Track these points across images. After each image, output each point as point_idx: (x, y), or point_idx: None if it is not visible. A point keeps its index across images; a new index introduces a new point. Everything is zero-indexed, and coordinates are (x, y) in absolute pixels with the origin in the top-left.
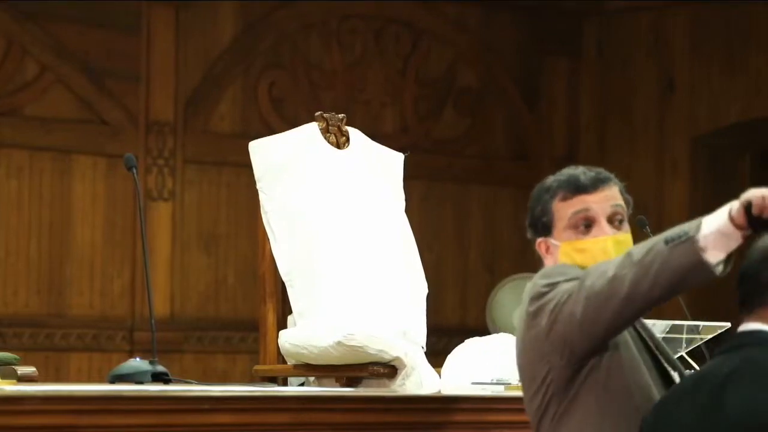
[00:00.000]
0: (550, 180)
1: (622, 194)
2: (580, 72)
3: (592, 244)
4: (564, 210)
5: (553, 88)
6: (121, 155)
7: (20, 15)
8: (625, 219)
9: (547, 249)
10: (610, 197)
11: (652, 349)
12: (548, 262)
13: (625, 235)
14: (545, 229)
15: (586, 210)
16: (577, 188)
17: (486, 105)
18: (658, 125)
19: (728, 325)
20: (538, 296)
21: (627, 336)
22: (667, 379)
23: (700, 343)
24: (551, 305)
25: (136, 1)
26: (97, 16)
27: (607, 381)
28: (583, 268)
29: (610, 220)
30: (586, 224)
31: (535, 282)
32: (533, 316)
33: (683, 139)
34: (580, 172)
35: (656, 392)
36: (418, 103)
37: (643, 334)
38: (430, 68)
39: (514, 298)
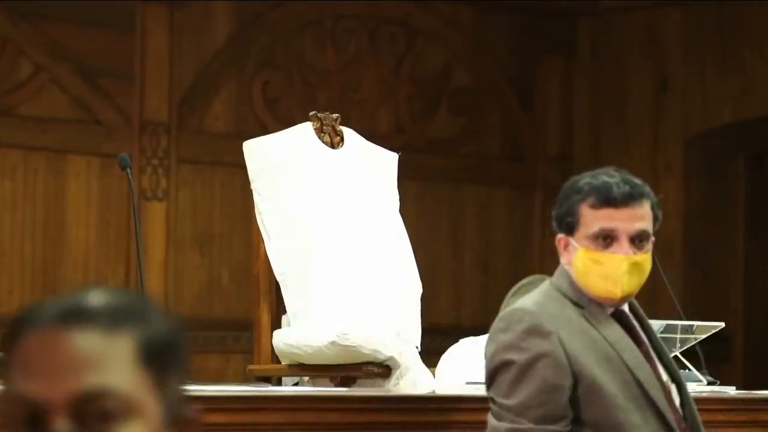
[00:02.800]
0: (584, 180)
1: (653, 210)
2: (574, 72)
3: (608, 260)
4: (590, 218)
5: (547, 88)
6: (115, 155)
7: (14, 15)
8: (649, 239)
9: (566, 246)
10: (638, 216)
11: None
12: (563, 258)
13: (644, 257)
14: (568, 228)
15: (612, 229)
16: (607, 200)
17: (480, 105)
18: (652, 125)
19: (722, 324)
20: (495, 370)
21: (608, 369)
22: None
23: (695, 343)
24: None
25: (130, 1)
26: (92, 16)
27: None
28: (586, 279)
29: (632, 239)
30: (609, 238)
31: (496, 338)
32: (488, 380)
33: (677, 139)
34: (615, 182)
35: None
36: (412, 102)
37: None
38: (424, 68)
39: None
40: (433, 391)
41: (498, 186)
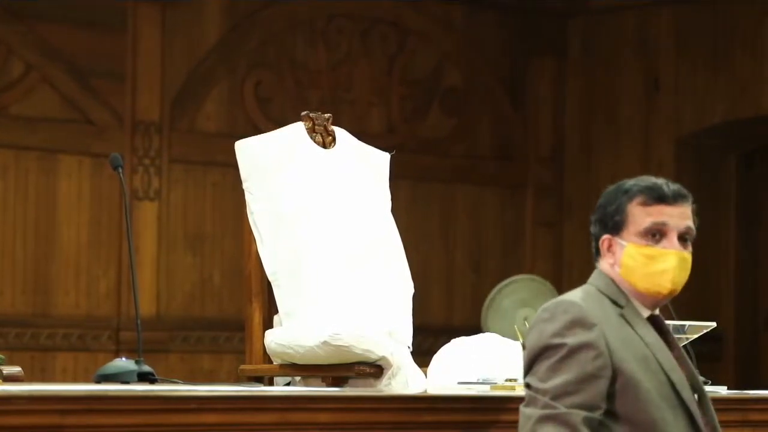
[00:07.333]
0: (630, 183)
1: (693, 215)
2: (565, 72)
3: (660, 254)
4: (640, 215)
5: (538, 88)
6: (106, 155)
7: (6, 14)
8: (692, 240)
9: (610, 246)
10: (686, 215)
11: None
12: (606, 259)
13: (689, 255)
14: (615, 227)
15: (664, 223)
16: (659, 197)
17: (472, 105)
18: (644, 125)
19: (714, 324)
20: (536, 356)
21: (643, 369)
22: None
23: (686, 342)
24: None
25: (121, 0)
26: (83, 16)
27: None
28: (633, 275)
29: (681, 236)
30: (659, 234)
31: (540, 327)
32: (527, 367)
33: (668, 139)
34: (663, 182)
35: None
36: (404, 102)
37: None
38: (416, 68)
39: (512, 302)
40: (425, 391)
41: (489, 186)
